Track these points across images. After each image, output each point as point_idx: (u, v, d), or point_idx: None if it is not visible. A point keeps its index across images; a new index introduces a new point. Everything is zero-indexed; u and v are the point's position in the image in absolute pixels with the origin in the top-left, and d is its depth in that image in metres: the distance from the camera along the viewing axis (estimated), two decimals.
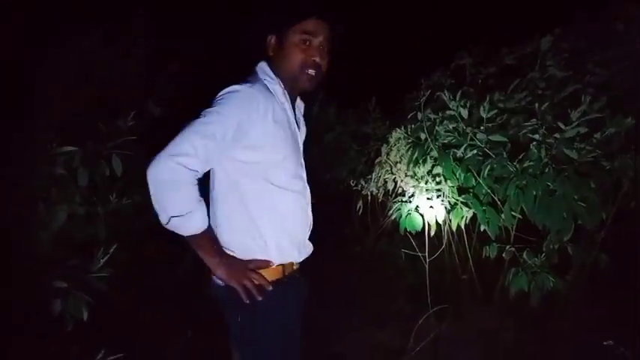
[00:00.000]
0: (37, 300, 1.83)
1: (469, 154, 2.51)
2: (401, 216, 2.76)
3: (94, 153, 2.15)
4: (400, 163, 2.98)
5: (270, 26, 1.54)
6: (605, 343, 2.14)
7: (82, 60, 2.34)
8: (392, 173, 3.08)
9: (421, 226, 2.72)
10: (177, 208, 1.32)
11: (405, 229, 2.74)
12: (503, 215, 2.44)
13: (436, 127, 2.70)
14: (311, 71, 1.50)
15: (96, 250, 2.02)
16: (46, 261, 1.95)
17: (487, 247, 2.52)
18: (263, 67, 1.53)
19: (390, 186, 3.13)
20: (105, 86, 2.41)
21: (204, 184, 1.50)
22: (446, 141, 2.66)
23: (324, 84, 1.61)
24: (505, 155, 2.39)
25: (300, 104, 1.67)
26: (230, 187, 1.47)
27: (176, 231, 1.36)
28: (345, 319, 3.04)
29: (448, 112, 2.63)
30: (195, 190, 1.34)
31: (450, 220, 2.65)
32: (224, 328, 1.59)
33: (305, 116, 1.71)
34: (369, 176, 3.39)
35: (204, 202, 1.40)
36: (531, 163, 2.29)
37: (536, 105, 2.39)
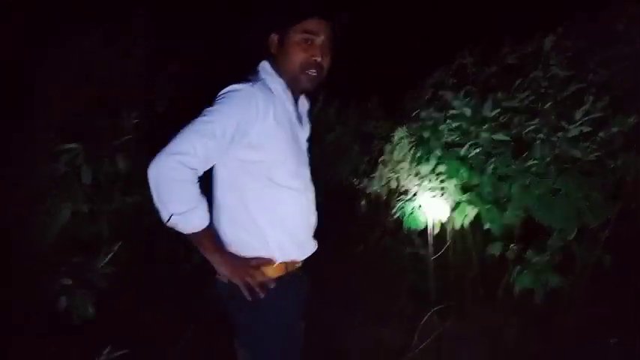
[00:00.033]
0: (41, 298, 1.84)
1: (473, 153, 2.52)
2: (404, 214, 2.77)
3: (97, 151, 2.16)
4: (403, 161, 2.99)
5: (271, 25, 1.55)
6: (610, 340, 2.14)
7: (82, 60, 2.34)
8: (395, 172, 3.08)
9: (424, 224, 2.72)
10: (177, 206, 1.33)
11: (409, 227, 2.75)
12: (506, 213, 2.43)
13: (440, 126, 2.70)
14: (312, 71, 1.50)
15: (100, 247, 2.02)
16: (50, 258, 1.96)
17: (491, 246, 2.52)
18: (265, 66, 1.53)
19: (394, 184, 3.13)
20: (105, 86, 2.41)
21: (207, 182, 1.51)
22: (449, 139, 2.66)
23: (326, 83, 1.61)
24: (509, 154, 2.39)
25: (304, 103, 1.67)
26: (231, 185, 1.47)
27: (177, 228, 1.37)
28: (348, 317, 3.04)
29: (452, 110, 2.63)
30: (195, 188, 1.35)
31: (454, 219, 2.65)
32: (227, 327, 1.60)
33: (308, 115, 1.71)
34: (373, 175, 3.39)
35: (208, 199, 1.41)
36: (535, 162, 2.29)
37: (540, 104, 2.38)
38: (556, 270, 2.37)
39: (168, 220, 1.34)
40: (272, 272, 1.49)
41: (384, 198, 3.47)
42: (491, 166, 2.42)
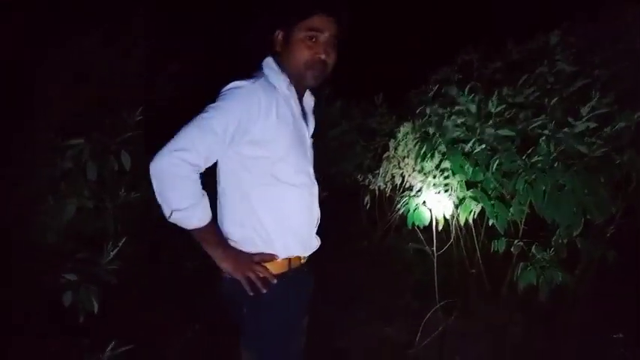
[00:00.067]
0: (47, 293, 1.85)
1: (477, 149, 2.50)
2: (409, 210, 2.76)
3: (102, 147, 2.16)
4: (408, 157, 2.98)
5: (275, 23, 1.54)
6: (614, 336, 2.14)
7: (82, 60, 2.35)
8: (400, 168, 3.07)
9: (429, 220, 2.71)
10: (178, 202, 1.33)
11: (413, 223, 2.74)
12: (511, 210, 2.43)
13: (444, 122, 2.69)
14: (316, 68, 1.49)
15: (105, 243, 2.03)
16: (56, 254, 1.97)
17: (495, 242, 2.52)
18: (269, 63, 1.52)
19: (398, 180, 3.13)
20: (105, 86, 2.42)
21: (211, 178, 1.51)
22: (454, 135, 2.65)
23: (331, 79, 1.60)
24: (514, 150, 2.38)
25: (309, 99, 1.67)
26: (235, 181, 1.47)
27: (179, 224, 1.38)
28: (353, 314, 3.05)
29: (457, 107, 2.62)
30: (196, 185, 1.36)
31: (458, 215, 2.64)
32: (229, 327, 1.60)
33: (314, 111, 1.70)
34: (377, 171, 3.39)
35: (212, 195, 1.41)
36: (540, 158, 2.27)
37: (546, 100, 2.37)
38: (561, 266, 2.36)
39: (170, 216, 1.34)
40: (275, 268, 1.49)
41: (388, 194, 3.47)
42: (496, 162, 2.40)
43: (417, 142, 2.87)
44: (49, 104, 2.12)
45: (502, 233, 2.47)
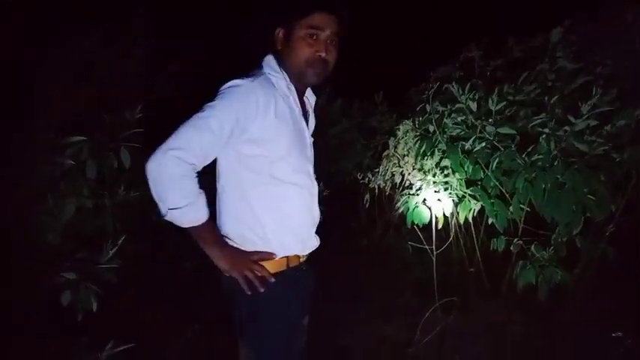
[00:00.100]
0: (46, 292, 1.85)
1: (478, 147, 2.50)
2: (408, 209, 2.75)
3: (101, 145, 2.16)
4: (408, 155, 2.97)
5: (276, 20, 1.53)
6: (613, 334, 2.14)
7: (82, 60, 2.35)
8: (399, 166, 3.07)
9: (428, 219, 2.71)
10: (174, 200, 1.33)
11: (413, 222, 2.74)
12: (511, 208, 2.42)
13: (444, 120, 2.68)
14: (317, 66, 1.49)
15: (104, 242, 2.03)
16: (55, 253, 1.97)
17: (495, 240, 2.51)
18: (269, 61, 1.52)
19: (398, 179, 3.12)
20: (105, 86, 2.41)
21: (210, 176, 1.51)
22: (454, 133, 2.64)
23: (332, 77, 1.60)
24: (514, 148, 2.38)
25: (310, 97, 1.66)
26: (234, 179, 1.47)
27: (175, 223, 1.37)
28: (352, 313, 3.05)
29: (457, 104, 2.62)
30: (192, 183, 1.35)
31: (458, 213, 2.64)
32: (228, 326, 1.60)
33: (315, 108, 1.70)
34: (377, 169, 3.39)
35: (211, 194, 1.41)
36: (540, 156, 2.27)
37: (546, 97, 2.36)
38: (560, 265, 2.36)
39: (166, 214, 1.34)
40: (272, 267, 1.48)
41: (388, 192, 3.47)
42: (496, 160, 2.40)
43: (417, 140, 2.86)
44: (49, 104, 2.12)
45: (501, 232, 2.47)
